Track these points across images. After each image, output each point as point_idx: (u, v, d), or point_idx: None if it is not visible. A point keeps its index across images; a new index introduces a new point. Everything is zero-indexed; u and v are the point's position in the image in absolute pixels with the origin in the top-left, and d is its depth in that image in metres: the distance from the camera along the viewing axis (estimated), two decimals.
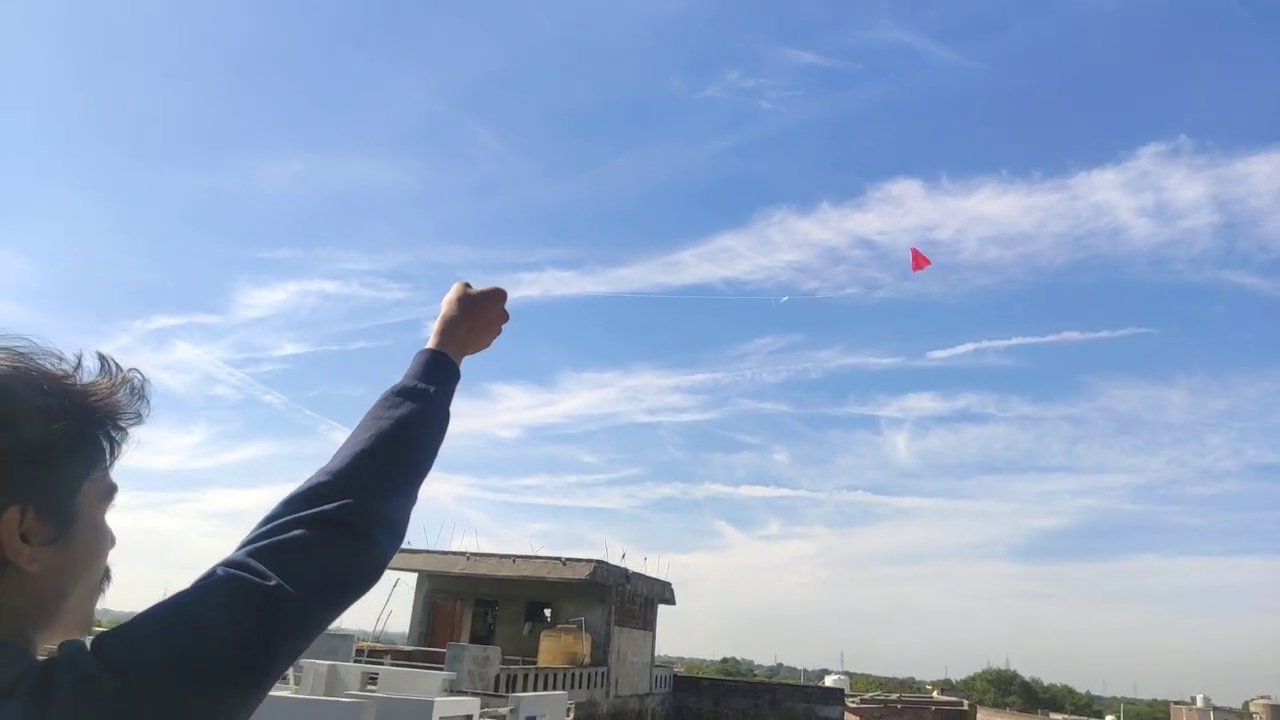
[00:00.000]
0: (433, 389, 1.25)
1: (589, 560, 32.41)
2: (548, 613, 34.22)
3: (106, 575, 0.99)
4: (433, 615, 33.98)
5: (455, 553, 34.32)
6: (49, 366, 0.94)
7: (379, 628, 31.72)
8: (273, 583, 0.94)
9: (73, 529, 0.92)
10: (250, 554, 0.98)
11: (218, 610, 0.90)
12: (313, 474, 1.11)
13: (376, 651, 25.86)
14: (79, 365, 0.96)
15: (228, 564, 0.97)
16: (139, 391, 0.99)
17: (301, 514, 1.03)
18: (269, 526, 1.02)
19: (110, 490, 0.98)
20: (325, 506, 1.04)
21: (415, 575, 34.18)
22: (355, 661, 19.27)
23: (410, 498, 1.16)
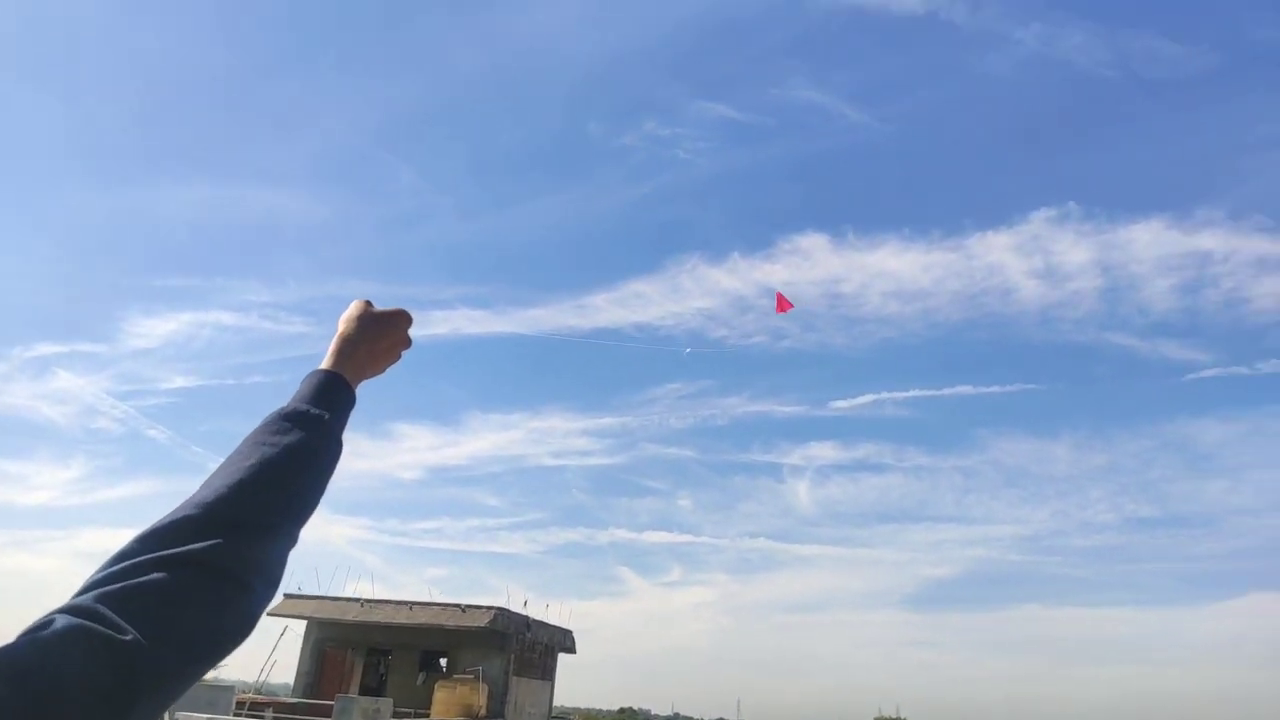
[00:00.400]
0: (326, 415, 1.10)
1: (490, 607, 31.58)
2: (444, 662, 33.11)
3: None
4: (321, 665, 32.38)
5: (348, 599, 32.93)
6: None
7: (262, 678, 30.09)
8: (128, 637, 0.78)
9: None
10: (99, 599, 0.81)
11: (59, 670, 0.73)
12: (177, 506, 0.94)
13: (258, 705, 24.43)
14: None
15: (69, 611, 0.79)
16: None
17: (163, 553, 0.87)
18: (121, 566, 0.85)
19: None
20: (192, 546, 0.88)
21: (304, 623, 32.63)
22: (235, 715, 18.14)
23: (292, 538, 1.00)
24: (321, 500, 1.06)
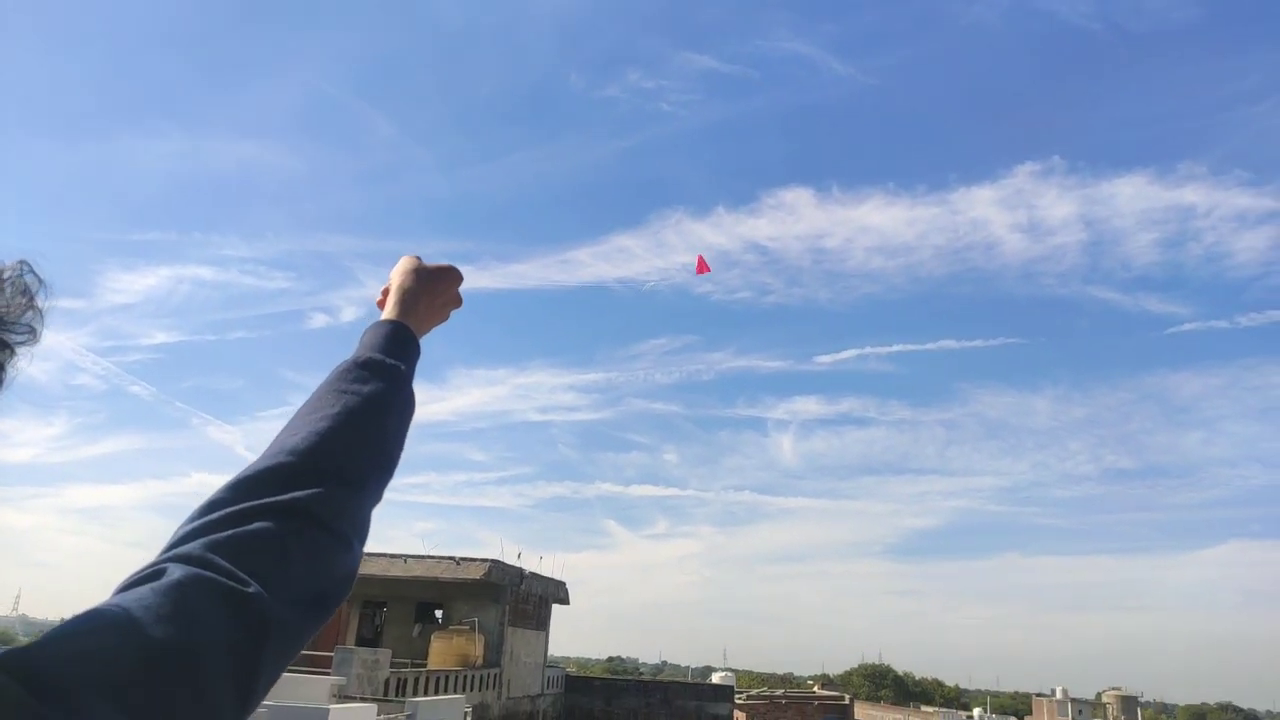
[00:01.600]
0: (402, 366, 1.06)
1: (484, 560, 31.81)
2: (439, 614, 33.40)
3: None
4: None
5: None
6: None
7: None
8: (252, 589, 0.72)
9: None
10: (209, 548, 0.74)
11: (189, 623, 0.67)
12: (265, 453, 0.88)
13: None
14: None
15: (183, 559, 0.72)
16: (29, 296, 0.71)
17: (265, 500, 0.81)
18: (221, 514, 0.78)
19: None
20: (295, 494, 0.82)
21: None
22: None
23: (379, 494, 0.96)
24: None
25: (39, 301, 0.71)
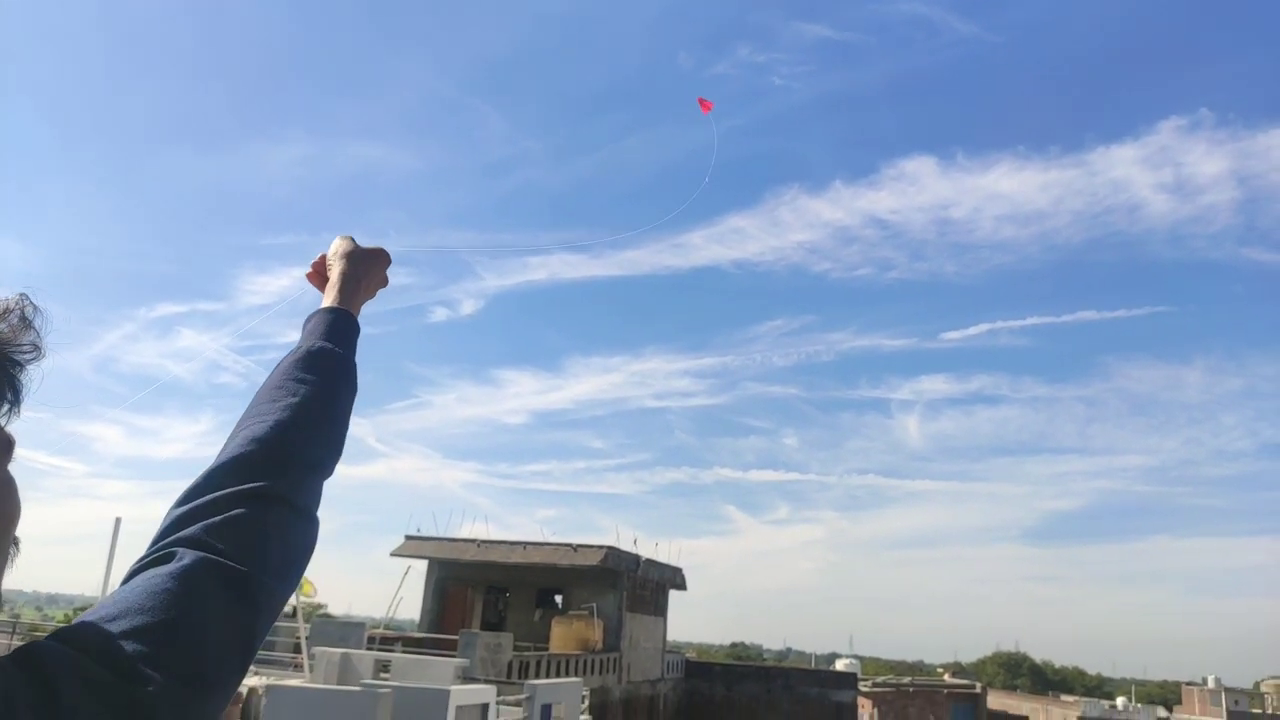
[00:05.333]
0: (346, 352, 1.18)
1: (600, 546, 32.27)
2: (559, 599, 34.10)
3: (16, 545, 0.80)
4: (444, 602, 33.87)
5: (465, 540, 34.21)
6: None
7: (390, 614, 31.64)
8: (245, 568, 0.86)
9: None
10: (207, 532, 0.87)
11: (210, 600, 0.81)
12: (232, 442, 1.01)
13: (387, 639, 25.70)
14: None
15: (189, 544, 0.85)
16: (29, 322, 0.81)
17: (242, 488, 0.93)
18: (204, 501, 0.91)
19: (9, 444, 0.79)
20: (265, 481, 0.95)
21: (425, 562, 34.06)
22: (367, 649, 19.08)
23: (330, 470, 1.08)
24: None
25: (37, 324, 0.82)
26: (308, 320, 1.23)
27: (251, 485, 0.94)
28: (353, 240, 1.37)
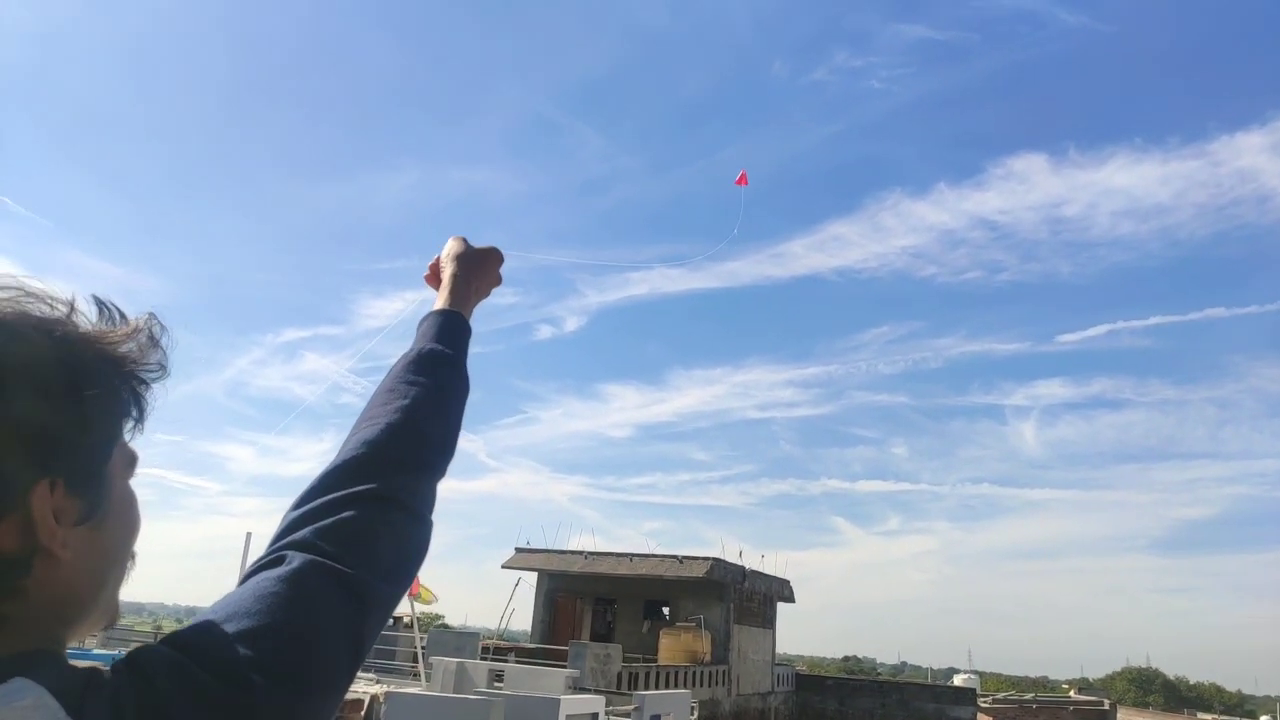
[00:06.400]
0: (458, 354, 1.18)
1: (706, 558, 32.25)
2: (666, 611, 34.23)
3: (133, 558, 0.83)
4: (554, 613, 34.48)
5: (573, 552, 34.72)
6: (47, 312, 0.76)
7: (502, 626, 32.44)
8: (355, 570, 0.84)
9: (105, 505, 0.77)
10: (317, 535, 0.87)
11: (319, 605, 0.80)
12: (345, 446, 1.01)
13: (501, 649, 26.39)
14: (73, 310, 0.79)
15: (299, 547, 0.85)
16: (157, 341, 0.83)
17: (352, 490, 0.93)
18: (317, 504, 0.91)
19: (133, 459, 0.82)
20: (375, 483, 0.94)
21: (535, 574, 34.76)
22: (481, 659, 19.68)
23: (443, 471, 1.07)
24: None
25: (164, 343, 0.84)
26: (421, 323, 1.23)
27: (362, 487, 0.93)
28: (465, 241, 1.36)
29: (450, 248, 1.35)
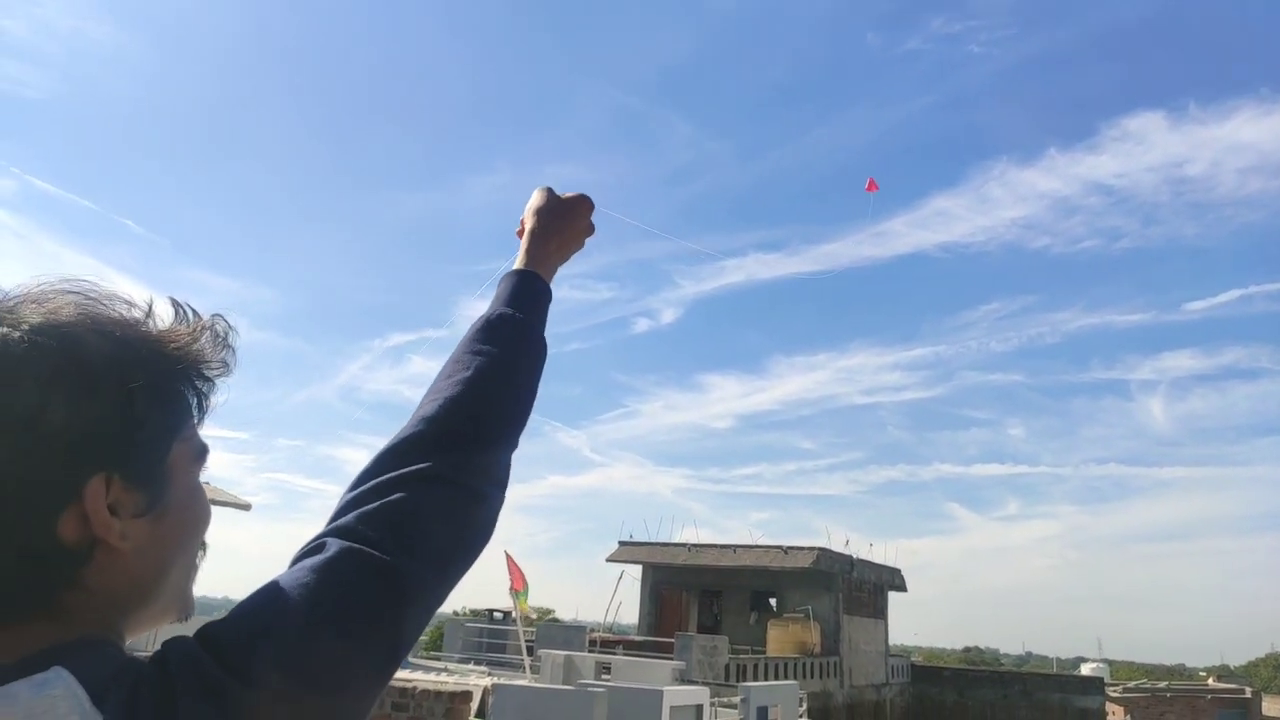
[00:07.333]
0: (529, 317, 1.09)
1: (811, 548, 31.87)
2: (773, 602, 33.96)
3: (203, 548, 0.85)
4: (660, 606, 34.62)
5: (677, 544, 34.81)
6: (120, 313, 0.79)
7: (609, 619, 32.76)
8: (390, 557, 0.80)
9: (166, 497, 0.78)
10: (360, 520, 0.83)
11: (351, 594, 0.76)
12: (408, 421, 0.96)
13: (608, 642, 26.64)
14: (150, 312, 0.81)
15: (337, 533, 0.82)
16: (223, 339, 0.84)
17: (402, 471, 0.88)
18: (367, 487, 0.87)
19: (202, 451, 0.84)
20: (426, 463, 0.89)
21: (640, 567, 34.98)
22: (589, 652, 19.91)
23: (513, 441, 1.00)
24: (537, 396, 1.06)
25: (230, 341, 0.85)
26: (499, 284, 1.15)
27: (415, 467, 0.88)
28: (548, 192, 1.27)
29: (532, 200, 1.26)
